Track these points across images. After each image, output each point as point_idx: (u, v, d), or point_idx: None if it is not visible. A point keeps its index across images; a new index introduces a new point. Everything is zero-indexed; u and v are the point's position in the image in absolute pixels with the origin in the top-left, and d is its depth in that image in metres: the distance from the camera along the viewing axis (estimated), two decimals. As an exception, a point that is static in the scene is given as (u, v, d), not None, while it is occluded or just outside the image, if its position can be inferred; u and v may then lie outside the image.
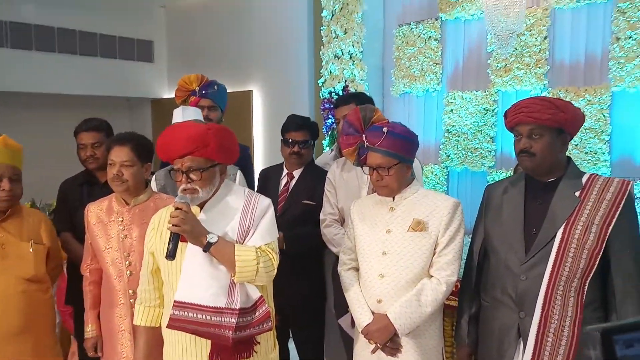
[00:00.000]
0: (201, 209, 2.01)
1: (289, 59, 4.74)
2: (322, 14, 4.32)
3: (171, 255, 1.88)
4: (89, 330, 2.42)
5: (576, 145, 3.26)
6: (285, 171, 2.95)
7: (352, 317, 2.30)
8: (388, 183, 2.10)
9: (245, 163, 3.04)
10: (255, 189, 3.13)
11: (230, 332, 1.89)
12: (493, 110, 3.68)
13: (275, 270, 2.01)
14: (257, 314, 1.98)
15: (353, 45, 4.15)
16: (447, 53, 3.94)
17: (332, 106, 4.12)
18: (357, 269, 2.25)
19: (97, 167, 2.80)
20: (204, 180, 1.95)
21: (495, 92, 3.66)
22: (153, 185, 2.67)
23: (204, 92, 3.07)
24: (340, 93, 4.16)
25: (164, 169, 2.81)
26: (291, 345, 3.08)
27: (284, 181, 2.94)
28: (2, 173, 2.32)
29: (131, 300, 2.28)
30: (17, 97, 5.14)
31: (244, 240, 1.99)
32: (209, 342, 1.95)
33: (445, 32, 3.93)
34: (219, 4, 5.39)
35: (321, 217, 2.73)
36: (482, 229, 2.14)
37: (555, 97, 3.34)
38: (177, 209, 1.89)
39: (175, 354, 2.01)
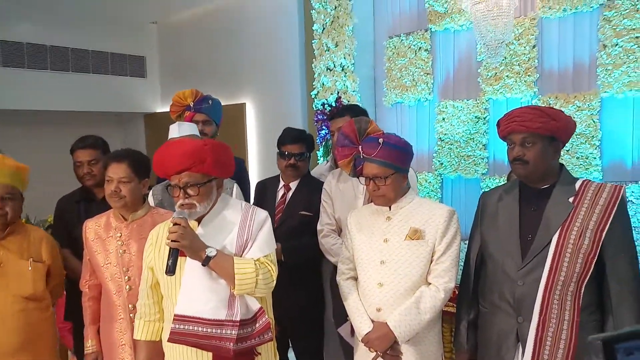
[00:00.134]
0: (199, 223, 2.03)
1: (281, 72, 4.78)
2: (313, 28, 4.36)
3: (171, 270, 1.90)
4: (89, 345, 2.42)
5: (568, 150, 3.30)
6: (281, 183, 2.98)
7: (351, 326, 2.33)
8: (385, 193, 2.13)
9: (240, 176, 3.06)
10: (252, 201, 3.15)
11: (232, 343, 1.91)
12: (484, 118, 3.72)
13: (274, 282, 2.03)
14: (257, 325, 2.00)
15: (345, 58, 4.19)
16: (437, 63, 3.98)
17: (325, 117, 4.16)
18: (355, 278, 2.27)
19: (94, 183, 2.81)
20: (201, 195, 1.97)
21: (486, 101, 3.70)
22: (150, 200, 2.69)
23: (198, 107, 3.09)
24: (334, 104, 4.20)
25: (161, 184, 2.82)
26: (291, 354, 3.09)
27: (280, 193, 2.96)
28: None
29: (131, 315, 2.29)
30: (10, 114, 5.15)
31: (243, 253, 2.01)
32: (210, 354, 1.97)
33: (435, 43, 3.97)
34: (210, 19, 5.43)
35: (318, 227, 2.75)
36: (478, 236, 2.17)
37: (545, 104, 3.39)
38: (175, 224, 1.91)
39: (177, 366, 2.01)
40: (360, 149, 2.19)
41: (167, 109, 5.70)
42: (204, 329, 1.93)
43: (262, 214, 2.08)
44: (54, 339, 2.52)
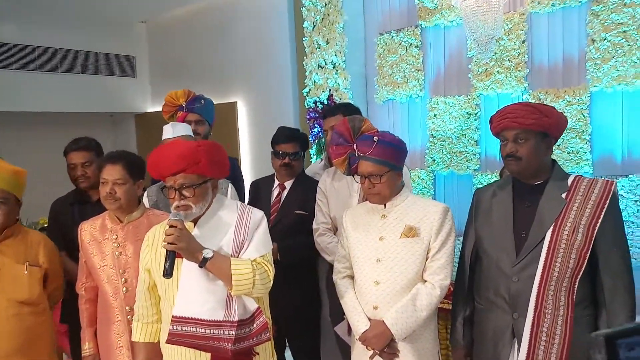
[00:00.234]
0: (195, 224, 2.03)
1: (273, 70, 4.78)
2: (304, 25, 4.36)
3: (168, 273, 1.91)
4: (87, 348, 2.42)
5: (558, 145, 3.33)
6: (276, 182, 2.98)
7: (348, 325, 2.34)
8: (380, 190, 2.15)
9: (234, 175, 3.06)
10: (246, 200, 3.15)
11: (230, 344, 1.92)
12: (476, 114, 3.74)
13: (271, 282, 2.04)
14: (255, 325, 2.01)
15: (336, 55, 4.21)
16: (428, 59, 4.01)
17: (317, 115, 4.17)
18: (352, 277, 2.28)
19: (89, 186, 2.80)
20: (196, 197, 1.97)
21: (477, 96, 3.73)
22: (145, 201, 2.68)
23: (191, 106, 3.09)
24: (326, 102, 4.21)
25: (155, 185, 2.82)
26: (287, 354, 3.10)
27: (275, 192, 2.96)
28: None
29: (128, 317, 2.29)
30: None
31: (239, 253, 2.01)
32: (208, 355, 1.97)
33: (425, 39, 3.99)
34: (200, 18, 5.41)
35: (314, 226, 2.76)
36: (472, 232, 2.19)
37: (535, 99, 3.42)
38: (171, 226, 1.91)
39: (175, 368, 2.02)
40: (354, 147, 2.20)
41: (157, 108, 5.70)
42: (202, 330, 1.94)
43: (258, 214, 2.09)
44: (51, 343, 2.51)
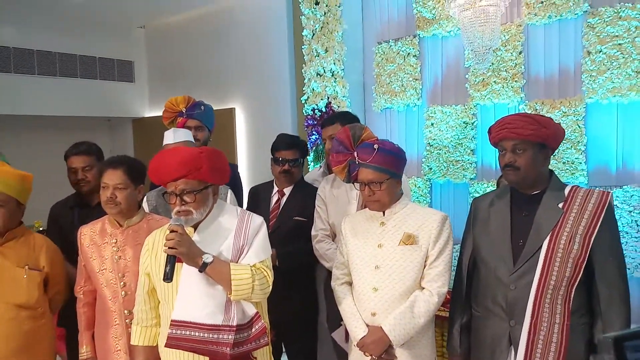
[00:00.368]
0: (195, 229, 2.05)
1: (271, 77, 4.81)
2: (303, 33, 4.40)
3: (169, 277, 1.92)
4: (84, 351, 2.42)
5: (554, 155, 3.35)
6: (275, 188, 3.00)
7: (345, 331, 2.35)
8: (379, 198, 2.17)
9: (234, 181, 3.08)
10: (245, 206, 3.16)
11: (228, 348, 1.94)
12: (472, 124, 3.78)
13: (270, 287, 2.06)
14: (253, 329, 2.03)
15: (334, 63, 4.24)
16: (426, 69, 4.04)
17: (315, 122, 4.20)
18: (350, 283, 2.30)
19: (89, 190, 2.82)
20: (197, 202, 1.99)
21: (474, 106, 3.76)
22: (145, 206, 2.69)
23: (190, 112, 3.10)
24: (324, 109, 4.24)
25: (155, 190, 2.83)
26: (284, 359, 3.11)
27: (274, 198, 2.98)
28: None
29: (127, 321, 2.30)
30: (-2, 119, 5.12)
31: (239, 258, 2.03)
32: (207, 358, 1.98)
33: (423, 49, 4.03)
34: (199, 24, 5.44)
35: (313, 232, 2.78)
36: (470, 240, 2.21)
37: (531, 109, 3.46)
38: (172, 231, 1.93)
39: (174, 371, 2.03)
40: (355, 155, 2.22)
41: (155, 113, 5.73)
42: (201, 334, 1.95)
43: (258, 219, 2.11)
44: (50, 348, 2.50)
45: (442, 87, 3.97)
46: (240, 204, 3.13)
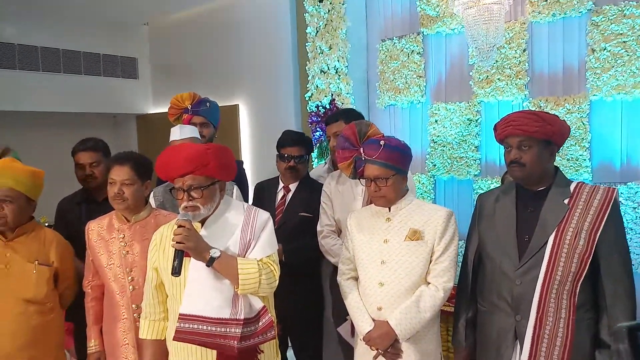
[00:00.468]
0: (202, 225, 2.07)
1: (275, 74, 4.81)
2: (307, 31, 4.40)
3: (177, 272, 1.94)
4: (92, 345, 2.44)
5: (558, 152, 3.36)
6: (281, 184, 3.01)
7: (351, 325, 2.37)
8: (385, 193, 2.18)
9: (239, 178, 3.09)
10: (250, 201, 3.18)
11: (236, 342, 1.95)
12: (476, 121, 3.78)
13: (277, 281, 2.08)
14: (260, 323, 2.05)
15: (338, 61, 4.25)
16: (429, 66, 4.05)
17: (319, 119, 4.21)
18: (356, 279, 2.32)
19: (96, 185, 2.83)
20: (205, 198, 2.01)
21: (478, 103, 3.77)
22: (152, 201, 2.71)
23: (196, 109, 3.11)
24: (328, 106, 4.25)
25: (161, 185, 2.85)
26: (290, 353, 3.13)
27: (280, 194, 2.99)
28: None
29: (135, 315, 2.32)
30: (1, 116, 5.12)
31: (246, 253, 2.05)
32: (214, 352, 2.01)
33: (427, 46, 4.04)
34: (203, 21, 5.45)
35: (318, 228, 2.80)
36: (476, 236, 2.23)
37: (535, 106, 3.47)
38: (180, 226, 1.95)
39: (181, 365, 2.05)
40: (361, 151, 2.24)
41: (159, 110, 5.74)
42: (209, 328, 1.97)
43: (264, 215, 2.13)
44: (57, 343, 2.51)
45: (446, 84, 3.98)
46: (246, 200, 3.14)
